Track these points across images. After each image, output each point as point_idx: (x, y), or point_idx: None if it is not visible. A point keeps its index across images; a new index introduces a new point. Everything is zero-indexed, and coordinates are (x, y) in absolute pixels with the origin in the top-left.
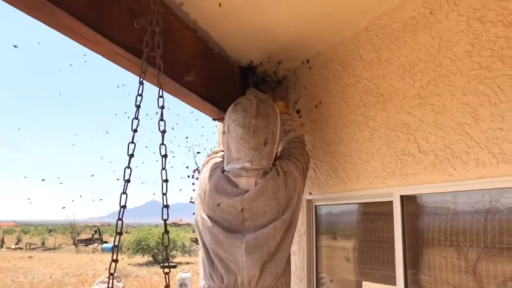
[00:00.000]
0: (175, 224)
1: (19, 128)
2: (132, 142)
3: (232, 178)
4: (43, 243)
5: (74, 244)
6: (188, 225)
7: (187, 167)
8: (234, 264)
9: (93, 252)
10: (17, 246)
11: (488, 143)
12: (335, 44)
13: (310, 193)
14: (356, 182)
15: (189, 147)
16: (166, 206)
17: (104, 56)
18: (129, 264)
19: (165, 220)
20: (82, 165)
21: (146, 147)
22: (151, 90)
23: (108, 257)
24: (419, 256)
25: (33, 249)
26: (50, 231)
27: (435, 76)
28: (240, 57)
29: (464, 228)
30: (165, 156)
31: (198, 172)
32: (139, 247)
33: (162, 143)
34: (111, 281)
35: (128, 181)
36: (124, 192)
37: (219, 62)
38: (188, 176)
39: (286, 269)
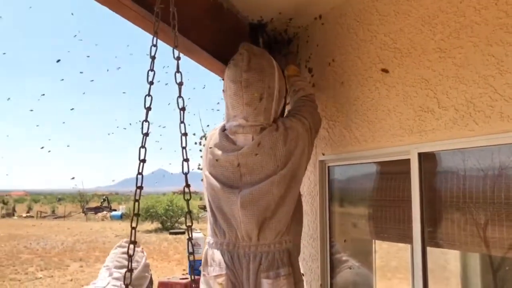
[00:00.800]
0: (182, 192)
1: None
2: (149, 95)
3: (230, 135)
4: (53, 211)
5: (83, 212)
6: (196, 193)
7: (194, 134)
8: (233, 219)
9: (102, 220)
10: (28, 214)
11: None
12: None
13: (323, 154)
14: (372, 141)
15: (194, 114)
16: (187, 160)
17: (110, 7)
18: (138, 231)
19: (185, 174)
20: (89, 131)
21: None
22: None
23: (117, 224)
24: (437, 214)
25: (44, 217)
26: (59, 200)
27: (457, 27)
28: (250, 13)
29: (485, 187)
30: (183, 109)
31: (205, 138)
32: (148, 214)
33: (180, 96)
34: (131, 248)
35: (146, 134)
36: (142, 146)
37: (229, 18)
38: (195, 143)
39: (291, 227)
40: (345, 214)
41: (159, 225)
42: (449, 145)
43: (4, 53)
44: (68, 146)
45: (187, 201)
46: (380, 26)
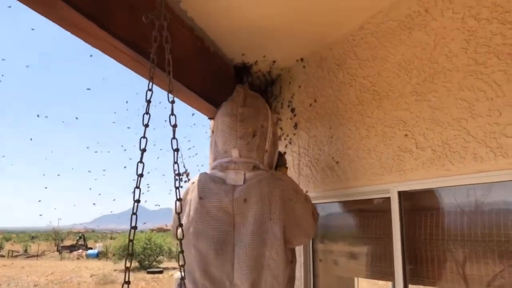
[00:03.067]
0: (160, 230)
1: None
2: (144, 137)
3: (218, 173)
4: (25, 250)
5: (58, 251)
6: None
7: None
8: (225, 282)
9: (78, 258)
10: None
11: (485, 137)
12: (330, 43)
13: (307, 191)
14: (353, 179)
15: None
16: (180, 200)
17: (104, 51)
18: (115, 270)
19: (178, 213)
20: (65, 169)
21: (134, 145)
22: (141, 84)
23: (93, 263)
24: (417, 251)
25: (16, 256)
26: (32, 238)
27: (431, 72)
28: (235, 56)
29: (462, 224)
30: (176, 150)
31: (187, 175)
32: (125, 253)
33: (174, 137)
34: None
35: (141, 175)
36: (137, 187)
37: (215, 60)
38: (175, 179)
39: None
40: (327, 252)
41: (137, 264)
42: (427, 184)
43: None
44: (46, 187)
45: (180, 240)
46: (359, 70)
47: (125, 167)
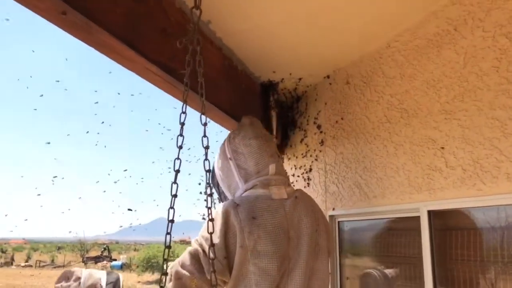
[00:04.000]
0: (183, 242)
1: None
2: (178, 158)
3: (259, 190)
4: (52, 261)
5: (83, 261)
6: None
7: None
8: None
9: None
10: (26, 263)
11: None
12: (356, 61)
13: (333, 209)
14: (381, 197)
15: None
16: (211, 220)
17: (137, 73)
18: (139, 282)
19: (210, 233)
20: (89, 181)
21: (153, 162)
22: (166, 102)
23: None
24: (448, 271)
25: (43, 266)
26: (59, 248)
27: (461, 91)
28: (262, 74)
29: (495, 244)
30: (208, 171)
31: (211, 188)
32: (149, 265)
33: (206, 159)
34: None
35: (175, 196)
36: (171, 207)
37: (243, 79)
38: (200, 193)
39: None
40: (355, 268)
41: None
42: (458, 204)
43: None
44: (79, 197)
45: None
46: (386, 88)
47: (142, 179)
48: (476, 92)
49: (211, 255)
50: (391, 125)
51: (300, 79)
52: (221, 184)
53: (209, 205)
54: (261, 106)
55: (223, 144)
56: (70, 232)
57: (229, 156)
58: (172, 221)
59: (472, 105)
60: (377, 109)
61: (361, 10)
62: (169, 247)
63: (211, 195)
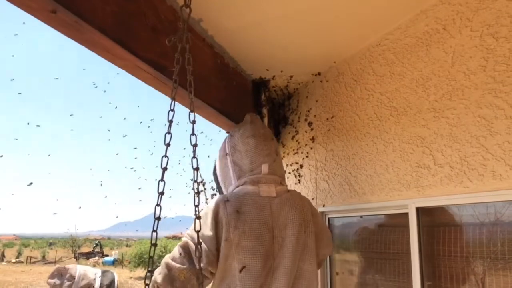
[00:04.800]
0: (175, 237)
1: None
2: (166, 156)
3: (249, 187)
4: (43, 257)
5: (75, 257)
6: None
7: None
8: None
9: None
10: (17, 259)
11: (504, 155)
12: (347, 59)
13: (324, 205)
14: (371, 194)
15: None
16: (198, 218)
17: (127, 70)
18: (131, 277)
19: (197, 230)
20: (81, 177)
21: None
22: (162, 100)
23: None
24: (436, 267)
25: (34, 262)
26: (50, 244)
27: (449, 90)
28: (253, 72)
29: (481, 240)
30: (196, 169)
31: (203, 185)
32: (141, 261)
33: (194, 156)
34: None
35: (162, 193)
36: (158, 204)
37: (234, 76)
38: (193, 192)
39: None
40: (345, 264)
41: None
42: (445, 201)
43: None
44: (57, 200)
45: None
46: (376, 85)
47: (139, 177)
48: (463, 91)
49: (197, 253)
50: (381, 123)
51: (291, 76)
52: (219, 179)
53: (196, 203)
54: (252, 103)
55: (225, 140)
56: (55, 213)
57: (227, 152)
58: (158, 218)
59: (459, 103)
60: (367, 106)
61: (352, 9)
62: (155, 244)
63: (198, 193)
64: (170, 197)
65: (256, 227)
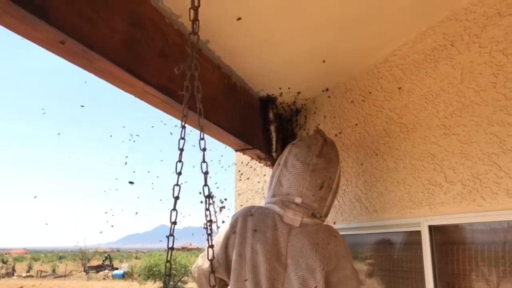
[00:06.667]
0: (184, 249)
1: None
2: (177, 184)
3: (276, 208)
4: (53, 270)
5: (84, 271)
6: (198, 249)
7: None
8: None
9: (104, 279)
10: (28, 274)
11: None
12: (355, 75)
13: (334, 223)
14: (382, 212)
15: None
16: (211, 246)
17: (136, 96)
18: None
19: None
20: (89, 190)
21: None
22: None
23: (119, 283)
24: (450, 286)
25: (44, 276)
26: (60, 258)
27: (459, 106)
28: (261, 89)
29: (496, 259)
30: (208, 196)
31: (212, 198)
32: (151, 273)
33: (206, 184)
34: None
35: (174, 223)
36: (171, 234)
37: (241, 95)
38: (201, 202)
39: None
40: None
41: (162, 285)
42: (459, 219)
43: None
44: (73, 207)
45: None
46: (385, 102)
47: (154, 188)
48: (474, 108)
49: (210, 265)
50: (391, 139)
51: (299, 92)
52: (268, 179)
53: (208, 232)
54: (260, 120)
55: (287, 147)
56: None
57: (282, 162)
58: (171, 248)
59: (470, 120)
60: (376, 123)
61: (358, 25)
62: (171, 248)
63: (210, 221)
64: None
65: (267, 250)
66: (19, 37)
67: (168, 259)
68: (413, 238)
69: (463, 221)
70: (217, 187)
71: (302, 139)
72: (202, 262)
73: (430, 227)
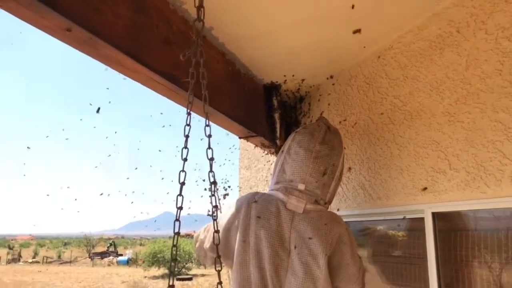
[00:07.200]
0: (188, 236)
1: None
2: (183, 170)
3: (280, 195)
4: (59, 257)
5: (89, 257)
6: None
7: (204, 180)
8: None
9: (109, 265)
10: (34, 259)
11: None
12: (359, 62)
13: (338, 209)
14: (385, 198)
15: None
16: (217, 231)
17: (141, 83)
18: (145, 276)
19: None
20: (94, 177)
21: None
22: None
23: (123, 270)
24: (454, 272)
25: (50, 262)
26: (65, 244)
27: (464, 93)
28: (265, 76)
29: (499, 246)
30: (214, 183)
31: (215, 185)
32: (155, 260)
33: (211, 171)
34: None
35: (180, 208)
36: (177, 219)
37: (245, 82)
38: (205, 189)
39: None
40: None
41: (166, 271)
42: (462, 206)
43: None
44: (75, 199)
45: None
46: (389, 89)
47: (162, 177)
48: (479, 95)
49: (214, 252)
50: (395, 127)
51: (303, 80)
52: (272, 166)
53: (214, 217)
54: (264, 107)
55: (291, 135)
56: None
57: (285, 150)
58: (180, 208)
59: (474, 107)
60: (381, 110)
61: (363, 12)
62: (178, 233)
63: (216, 207)
64: (168, 193)
65: (271, 235)
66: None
67: (174, 243)
68: (417, 225)
69: (467, 208)
70: (225, 175)
71: (306, 126)
72: (204, 237)
73: (433, 214)
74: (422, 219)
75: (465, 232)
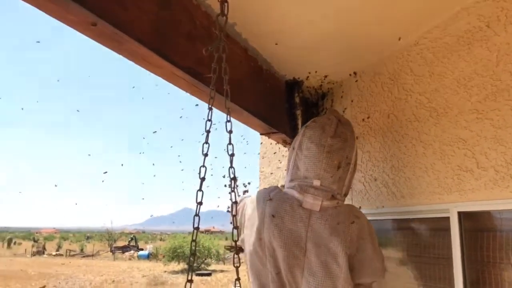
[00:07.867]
0: (207, 232)
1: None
2: (203, 165)
3: (295, 193)
4: (81, 250)
5: (111, 251)
6: (221, 232)
7: (223, 176)
8: None
9: (130, 259)
10: (57, 252)
11: None
12: (384, 58)
13: (360, 207)
14: (410, 197)
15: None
16: (236, 227)
17: (164, 78)
18: (165, 271)
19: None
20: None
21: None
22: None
23: (144, 264)
24: (480, 273)
25: (73, 255)
26: (88, 238)
27: (493, 90)
28: (287, 73)
29: None
30: (234, 178)
31: (235, 181)
32: (175, 255)
33: (231, 166)
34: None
35: (200, 203)
36: (197, 214)
37: (267, 78)
38: (225, 186)
39: None
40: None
41: (186, 266)
42: (490, 206)
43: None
44: (101, 199)
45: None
46: (415, 86)
47: (182, 170)
48: (509, 91)
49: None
50: (420, 124)
51: (325, 76)
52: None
53: (233, 214)
54: (285, 104)
55: (300, 130)
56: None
57: (296, 146)
58: (200, 203)
59: (505, 104)
60: (405, 107)
61: (388, 7)
62: (197, 228)
63: (235, 202)
64: (183, 189)
65: (285, 235)
66: None
67: (194, 238)
68: (441, 224)
69: (495, 208)
70: (245, 167)
71: (316, 120)
72: (242, 206)
73: (459, 213)
74: (447, 219)
75: (492, 233)
